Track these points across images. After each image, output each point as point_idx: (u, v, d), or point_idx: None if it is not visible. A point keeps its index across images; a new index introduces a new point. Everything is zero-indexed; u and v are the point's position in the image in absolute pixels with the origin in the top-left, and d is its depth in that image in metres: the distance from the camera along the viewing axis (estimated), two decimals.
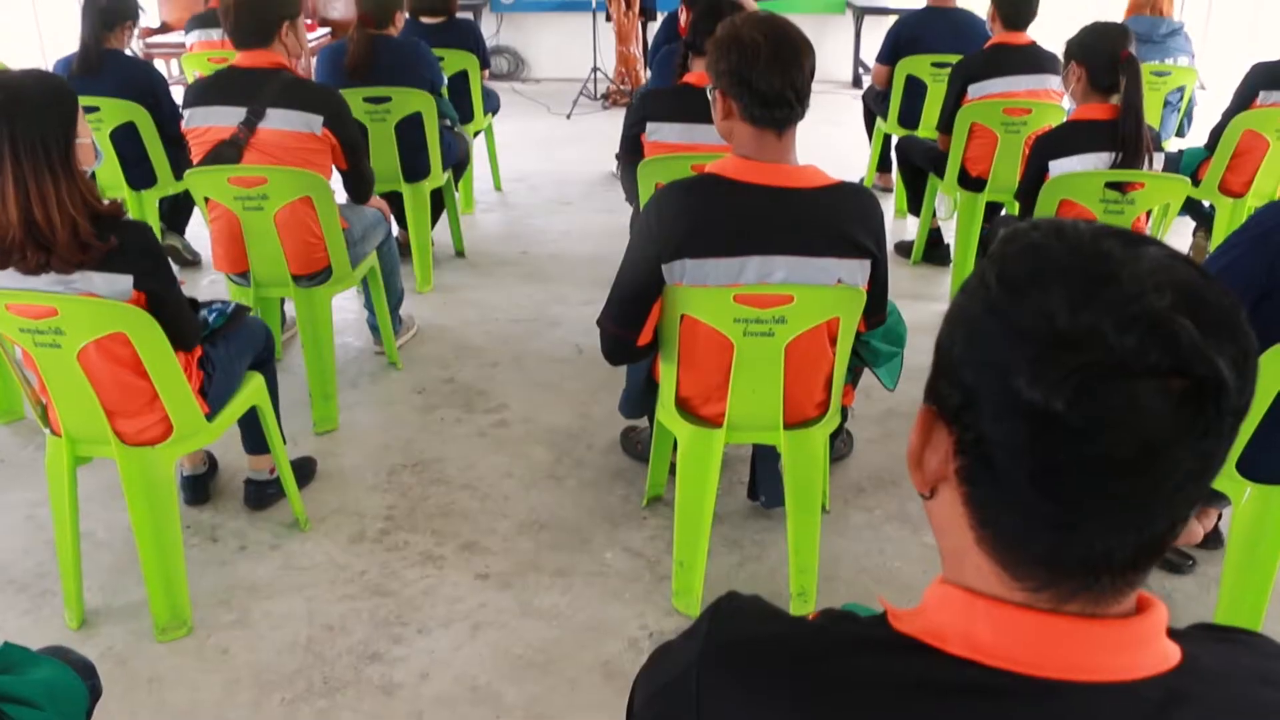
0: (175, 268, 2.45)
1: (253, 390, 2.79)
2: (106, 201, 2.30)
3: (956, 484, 0.77)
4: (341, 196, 3.50)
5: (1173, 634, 0.77)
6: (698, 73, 3.30)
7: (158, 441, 2.52)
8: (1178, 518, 0.72)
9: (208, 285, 4.67)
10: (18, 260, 2.23)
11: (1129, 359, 0.65)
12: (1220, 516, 2.85)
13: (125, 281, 2.30)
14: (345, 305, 4.30)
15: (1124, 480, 0.68)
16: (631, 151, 3.43)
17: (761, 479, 2.90)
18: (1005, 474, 0.72)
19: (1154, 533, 0.72)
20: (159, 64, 7.69)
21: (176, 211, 4.79)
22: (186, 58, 5.51)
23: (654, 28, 7.40)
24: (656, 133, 3.33)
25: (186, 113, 3.32)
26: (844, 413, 2.73)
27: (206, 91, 3.30)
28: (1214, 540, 2.83)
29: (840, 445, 3.27)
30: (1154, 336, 0.65)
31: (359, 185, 3.58)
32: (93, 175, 2.35)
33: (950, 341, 0.76)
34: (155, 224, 4.48)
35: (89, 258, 2.24)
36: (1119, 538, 0.71)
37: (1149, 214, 3.45)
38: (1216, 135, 4.32)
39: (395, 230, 4.12)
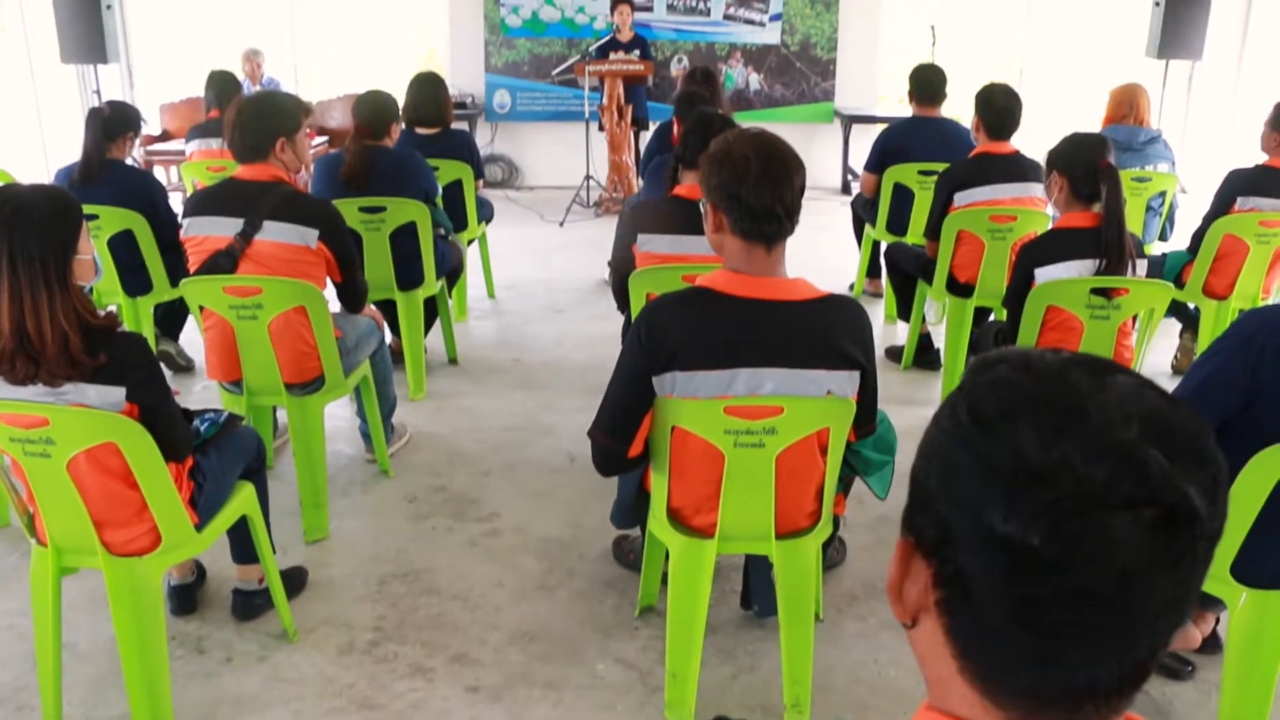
0: (168, 374, 2.46)
1: (243, 500, 2.78)
2: (102, 313, 2.32)
3: (937, 615, 0.77)
4: (335, 305, 3.53)
5: None
6: (689, 184, 3.36)
7: (146, 552, 2.50)
8: (1159, 644, 0.72)
9: (201, 391, 4.68)
10: (6, 370, 2.25)
11: (1101, 491, 0.67)
12: (1218, 620, 2.83)
13: (118, 393, 2.32)
14: (337, 413, 4.30)
15: (1103, 610, 0.69)
16: (623, 262, 3.47)
17: (754, 588, 2.87)
18: (985, 606, 0.72)
19: (1136, 660, 0.72)
20: (159, 171, 7.87)
21: (171, 317, 4.82)
22: (186, 166, 5.63)
23: (646, 137, 7.56)
24: (648, 244, 3.37)
25: (185, 221, 3.37)
26: (836, 521, 2.72)
27: (205, 202, 3.35)
28: (1212, 645, 2.80)
29: (833, 553, 3.25)
30: (1124, 468, 0.67)
31: (353, 297, 3.61)
32: (89, 289, 2.38)
33: (925, 475, 0.77)
34: (150, 330, 4.52)
35: (76, 372, 2.26)
36: (1101, 667, 0.71)
37: (1135, 318, 3.49)
38: (1198, 240, 4.41)
39: (389, 338, 4.14)
